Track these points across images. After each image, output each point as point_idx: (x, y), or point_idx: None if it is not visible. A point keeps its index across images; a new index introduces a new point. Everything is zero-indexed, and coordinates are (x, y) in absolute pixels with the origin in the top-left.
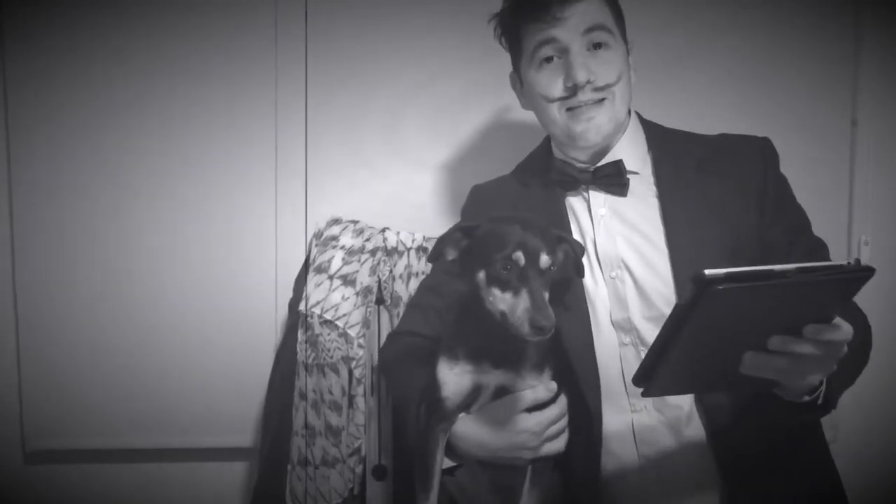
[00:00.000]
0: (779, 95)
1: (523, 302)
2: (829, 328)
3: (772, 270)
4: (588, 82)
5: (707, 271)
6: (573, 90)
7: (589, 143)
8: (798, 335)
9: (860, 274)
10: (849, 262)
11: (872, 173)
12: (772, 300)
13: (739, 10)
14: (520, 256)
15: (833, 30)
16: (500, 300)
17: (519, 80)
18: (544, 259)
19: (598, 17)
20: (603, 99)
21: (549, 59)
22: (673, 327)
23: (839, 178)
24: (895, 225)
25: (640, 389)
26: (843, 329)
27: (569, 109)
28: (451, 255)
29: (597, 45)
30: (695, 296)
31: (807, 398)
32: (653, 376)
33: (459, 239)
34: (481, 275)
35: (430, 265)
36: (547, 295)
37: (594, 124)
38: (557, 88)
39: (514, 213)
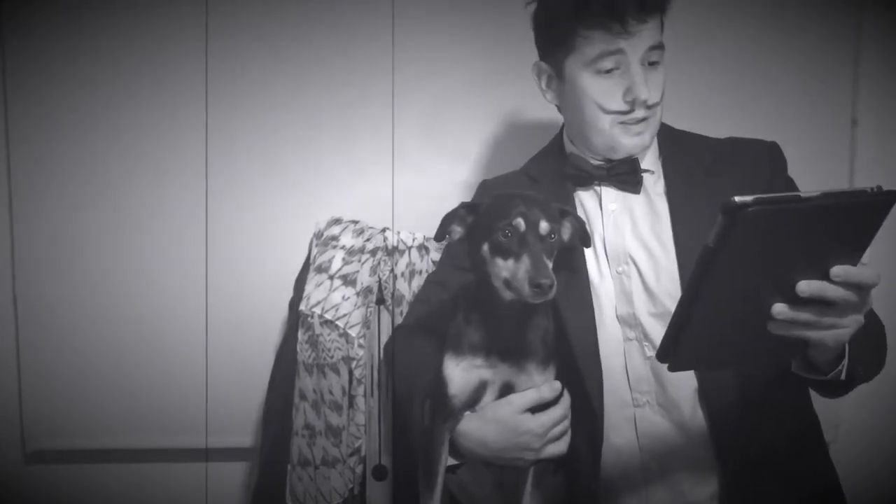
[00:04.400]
0: (779, 95)
1: (524, 265)
2: (855, 269)
3: (797, 195)
4: (645, 101)
5: (736, 198)
6: (632, 105)
7: (626, 155)
8: (825, 275)
9: (884, 198)
10: (871, 189)
11: (872, 173)
12: (798, 231)
13: (739, 11)
14: (520, 223)
15: (833, 30)
16: (503, 268)
17: (554, 74)
18: (544, 226)
19: (658, 37)
20: (648, 118)
21: (609, 70)
22: (700, 274)
23: (839, 178)
24: (895, 225)
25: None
26: (871, 272)
27: (619, 122)
28: (457, 232)
29: (652, 64)
30: (724, 227)
31: (824, 378)
32: (678, 344)
33: (464, 215)
34: (485, 247)
35: (433, 263)
36: (551, 263)
37: (640, 139)
38: (615, 101)
39: (517, 190)
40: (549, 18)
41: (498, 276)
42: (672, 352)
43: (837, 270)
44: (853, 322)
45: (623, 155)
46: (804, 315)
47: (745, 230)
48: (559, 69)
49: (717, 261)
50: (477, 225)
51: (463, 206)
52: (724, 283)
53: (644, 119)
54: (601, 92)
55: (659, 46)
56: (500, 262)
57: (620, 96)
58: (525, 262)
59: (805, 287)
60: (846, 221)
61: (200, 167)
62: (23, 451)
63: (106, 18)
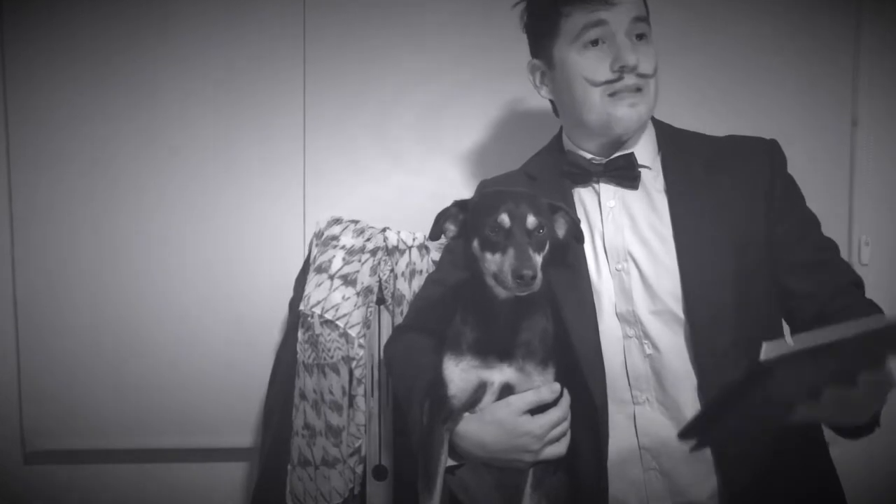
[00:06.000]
0: (779, 95)
1: (508, 258)
2: (883, 374)
3: (829, 345)
4: (634, 67)
5: (763, 357)
6: (620, 73)
7: (625, 130)
8: (851, 384)
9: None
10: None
11: (872, 173)
12: (827, 363)
13: (740, 11)
14: (504, 219)
15: (834, 30)
16: (491, 262)
17: (546, 66)
18: (531, 220)
19: (642, 9)
20: (641, 88)
21: (594, 43)
22: (734, 398)
23: (839, 178)
24: (895, 225)
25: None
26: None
27: (611, 95)
28: (451, 230)
29: (639, 36)
30: (750, 381)
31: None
32: (704, 438)
33: (456, 213)
34: (475, 243)
35: (433, 263)
36: (540, 258)
37: (636, 111)
38: (603, 72)
39: (508, 187)
40: (533, 10)
41: (488, 270)
42: (697, 440)
43: (864, 381)
44: (870, 409)
45: (620, 130)
46: (824, 412)
47: (774, 383)
48: (549, 59)
49: (747, 397)
50: (468, 222)
51: (455, 204)
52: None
53: (637, 90)
54: (588, 65)
55: (643, 19)
56: (488, 256)
57: (608, 67)
58: (510, 254)
59: (830, 397)
60: (876, 345)
61: (200, 167)
62: (23, 451)
63: (106, 18)
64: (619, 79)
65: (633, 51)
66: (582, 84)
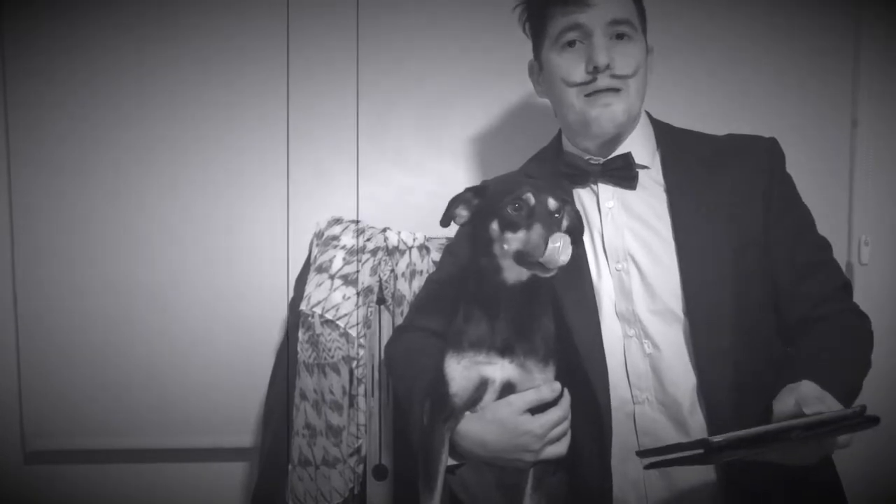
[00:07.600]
0: (779, 95)
1: (536, 231)
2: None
3: (778, 432)
4: (607, 67)
5: (714, 438)
6: (593, 73)
7: (602, 130)
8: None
9: (864, 424)
10: (854, 409)
11: (872, 173)
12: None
13: (740, 11)
14: (529, 196)
15: (833, 30)
16: (514, 240)
17: (539, 67)
18: (552, 202)
19: (624, 12)
20: (619, 89)
21: (571, 44)
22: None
23: (839, 178)
24: (895, 225)
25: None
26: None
27: (587, 95)
28: (462, 217)
29: (619, 36)
30: (700, 458)
31: None
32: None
33: (470, 199)
34: (494, 224)
35: (433, 263)
36: None
37: (610, 111)
38: (578, 73)
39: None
40: (528, 13)
41: (508, 252)
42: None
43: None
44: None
45: (597, 130)
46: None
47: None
48: (540, 61)
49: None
50: (484, 206)
51: (469, 189)
52: None
53: (612, 90)
54: (565, 66)
55: (624, 21)
56: (509, 235)
57: (583, 68)
58: (538, 228)
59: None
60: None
61: (201, 169)
62: (23, 451)
63: (106, 18)
64: (594, 80)
65: (606, 51)
66: (560, 85)
